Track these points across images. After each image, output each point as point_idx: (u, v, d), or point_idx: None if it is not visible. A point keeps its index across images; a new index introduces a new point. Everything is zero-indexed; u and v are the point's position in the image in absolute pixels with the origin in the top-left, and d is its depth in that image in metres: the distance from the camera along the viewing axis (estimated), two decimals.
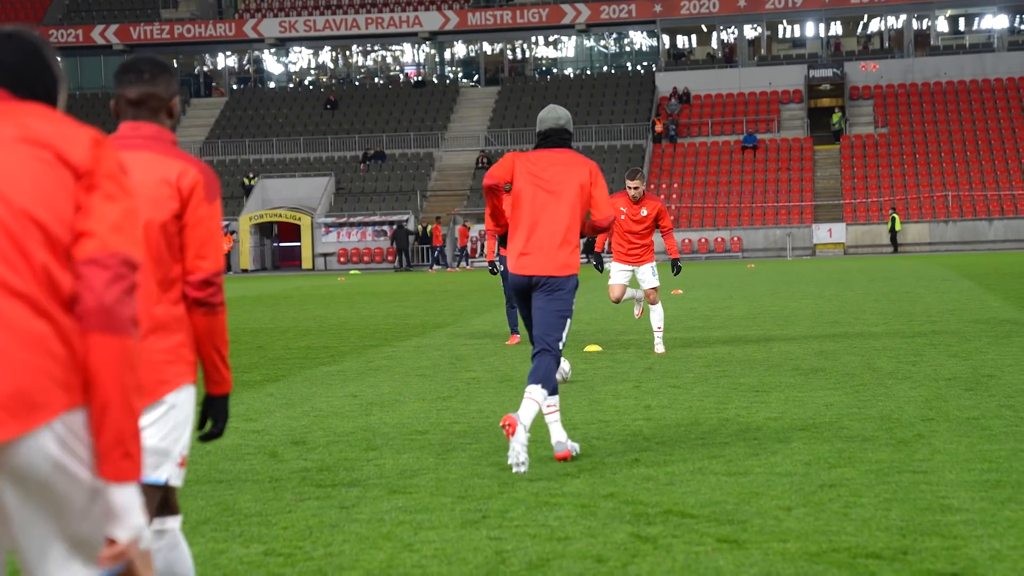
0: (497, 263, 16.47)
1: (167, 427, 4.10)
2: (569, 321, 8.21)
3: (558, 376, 9.49)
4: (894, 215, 57.96)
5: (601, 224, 8.29)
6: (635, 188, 14.88)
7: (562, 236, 8.18)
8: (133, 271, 2.93)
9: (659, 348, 14.90)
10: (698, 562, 5.52)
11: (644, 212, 14.97)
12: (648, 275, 15.13)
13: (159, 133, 4.19)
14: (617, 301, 15.31)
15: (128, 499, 2.88)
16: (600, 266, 14.88)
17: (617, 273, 15.29)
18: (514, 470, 7.66)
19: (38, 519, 2.85)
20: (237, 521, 6.53)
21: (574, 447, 8.21)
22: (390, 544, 5.99)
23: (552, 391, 8.05)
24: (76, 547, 2.87)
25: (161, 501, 4.20)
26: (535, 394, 7.98)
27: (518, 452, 7.69)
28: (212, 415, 4.21)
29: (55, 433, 2.83)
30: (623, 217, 14.99)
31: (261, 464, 8.11)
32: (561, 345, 8.15)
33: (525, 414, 7.89)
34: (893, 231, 57.99)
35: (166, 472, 4.14)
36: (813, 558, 5.52)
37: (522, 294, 8.30)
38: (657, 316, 15.02)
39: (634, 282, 15.60)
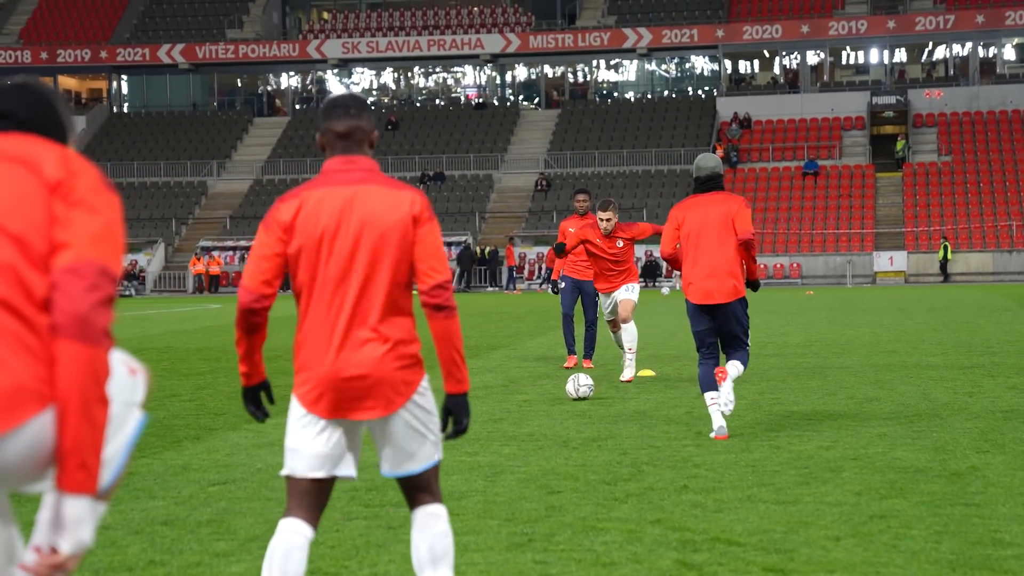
0: (560, 282, 16.49)
1: (431, 418, 4.67)
2: (748, 326, 10.26)
3: (574, 391, 12.55)
4: (945, 243, 57.40)
5: (742, 238, 10.07)
6: (607, 220, 14.11)
7: (728, 267, 10.04)
8: (111, 282, 2.94)
9: (627, 374, 14.12)
10: None
11: (620, 244, 14.28)
12: (623, 292, 14.46)
13: (373, 164, 4.68)
14: (615, 332, 14.80)
15: (79, 511, 2.87)
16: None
17: (609, 312, 14.74)
18: (724, 410, 9.90)
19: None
20: None
21: (732, 374, 10.05)
22: None
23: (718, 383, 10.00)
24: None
25: (427, 484, 4.71)
26: (740, 368, 10.12)
27: (727, 399, 9.91)
28: (455, 413, 4.70)
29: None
30: (599, 246, 14.36)
31: None
32: (749, 342, 10.32)
33: (732, 368, 10.05)
34: (944, 260, 57.43)
35: (440, 450, 4.72)
36: None
37: (703, 315, 10.14)
38: (629, 336, 14.23)
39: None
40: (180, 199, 68.41)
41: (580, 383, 12.60)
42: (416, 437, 4.64)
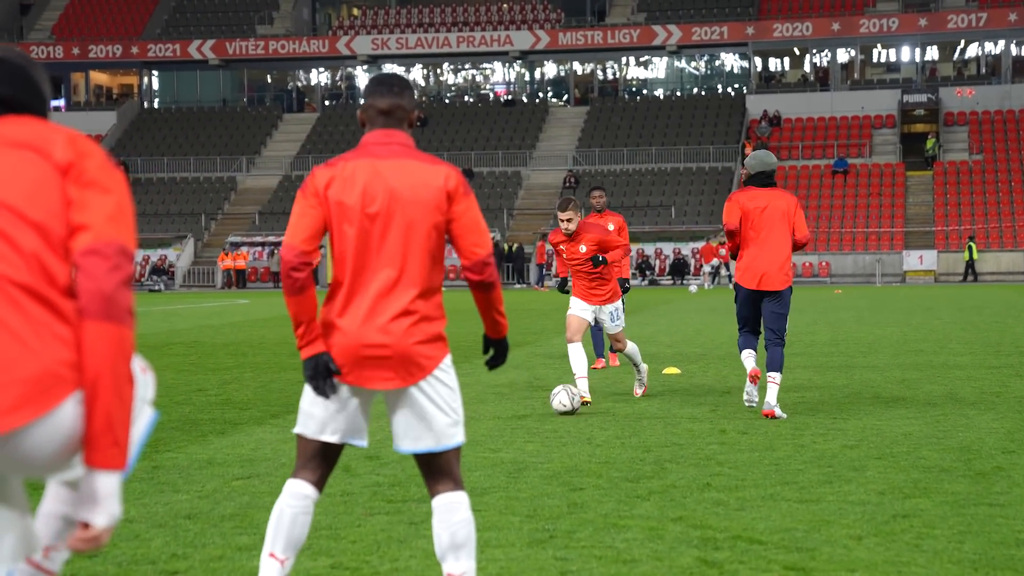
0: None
1: (453, 396, 4.69)
2: (788, 317, 11.15)
3: (560, 405, 11.26)
4: (971, 244, 57.03)
5: (800, 242, 11.11)
6: (567, 221, 12.18)
7: (781, 257, 10.96)
8: (129, 260, 3.01)
9: (639, 390, 12.75)
10: None
11: (583, 248, 12.26)
12: (608, 321, 12.50)
13: (409, 140, 4.75)
14: (572, 340, 12.29)
15: (111, 486, 2.95)
16: (563, 288, 14.11)
17: (576, 307, 12.56)
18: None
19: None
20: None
21: (781, 414, 10.82)
22: None
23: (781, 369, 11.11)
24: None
25: (447, 467, 4.69)
26: (777, 379, 10.92)
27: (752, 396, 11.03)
28: (496, 349, 4.90)
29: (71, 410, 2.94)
30: (564, 256, 12.49)
31: (334, 478, 8.16)
32: (785, 336, 11.14)
33: (772, 396, 10.84)
34: (970, 260, 57.06)
35: (462, 433, 4.74)
36: None
37: (752, 301, 11.07)
38: (632, 353, 12.62)
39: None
40: (209, 195, 68.67)
41: (567, 397, 11.26)
42: (435, 412, 4.65)
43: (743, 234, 11.04)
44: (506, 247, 61.56)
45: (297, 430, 4.77)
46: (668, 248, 60.92)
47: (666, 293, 48.09)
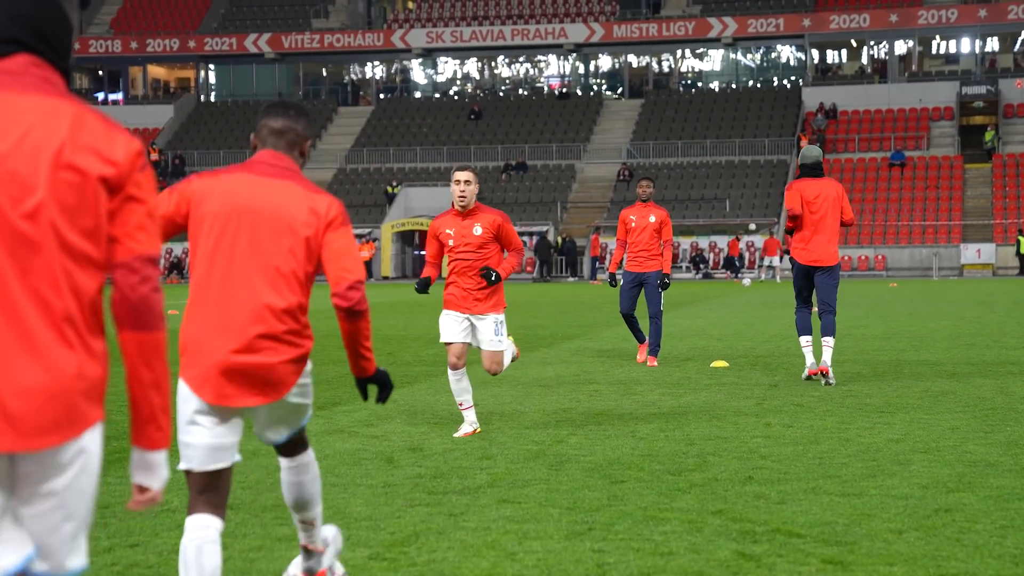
0: (618, 275, 16.17)
1: (309, 395, 4.86)
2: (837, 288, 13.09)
3: (508, 358, 10.18)
4: (1021, 237, 56.28)
5: (847, 223, 13.16)
6: (465, 183, 9.64)
7: (832, 236, 13.02)
8: (155, 266, 3.15)
9: (466, 428, 9.82)
10: None
11: (478, 231, 9.80)
12: (489, 333, 9.87)
13: (294, 166, 4.79)
14: (456, 367, 9.84)
15: (160, 459, 3.26)
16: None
17: (450, 326, 9.87)
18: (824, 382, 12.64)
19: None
20: (347, 524, 6.62)
21: (832, 378, 12.75)
22: (493, 553, 6.03)
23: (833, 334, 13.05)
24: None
25: (302, 435, 5.07)
26: (831, 343, 12.83)
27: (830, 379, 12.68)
28: (378, 384, 4.93)
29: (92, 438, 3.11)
30: (451, 242, 9.83)
31: (377, 469, 8.22)
32: (835, 304, 13.04)
33: (827, 356, 12.73)
34: (1020, 253, 56.31)
35: (312, 409, 5.00)
36: None
37: (807, 274, 13.09)
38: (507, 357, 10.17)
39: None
40: None
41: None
42: (294, 415, 4.87)
43: (801, 219, 12.98)
44: (559, 240, 61.52)
45: (182, 466, 4.65)
46: (722, 241, 60.64)
47: (719, 286, 47.88)
